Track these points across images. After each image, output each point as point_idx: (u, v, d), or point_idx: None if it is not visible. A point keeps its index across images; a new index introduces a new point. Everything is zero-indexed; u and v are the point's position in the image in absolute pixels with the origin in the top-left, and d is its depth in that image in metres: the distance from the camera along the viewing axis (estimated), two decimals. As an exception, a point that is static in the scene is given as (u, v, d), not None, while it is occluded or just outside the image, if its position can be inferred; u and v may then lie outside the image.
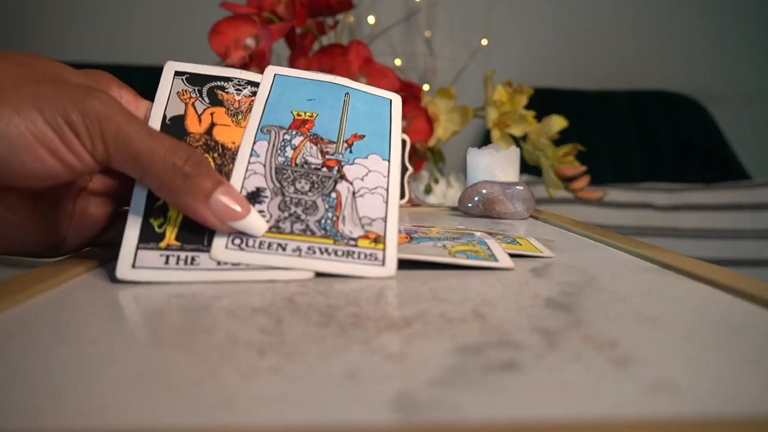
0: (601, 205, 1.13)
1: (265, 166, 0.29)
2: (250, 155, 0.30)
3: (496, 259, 0.30)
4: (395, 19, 1.31)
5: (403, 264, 0.29)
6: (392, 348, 0.18)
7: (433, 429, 0.13)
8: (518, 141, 0.78)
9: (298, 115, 0.32)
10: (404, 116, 0.79)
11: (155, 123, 0.30)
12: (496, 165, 0.56)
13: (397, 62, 1.26)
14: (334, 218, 0.28)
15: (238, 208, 0.26)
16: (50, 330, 0.19)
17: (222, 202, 0.26)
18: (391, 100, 0.35)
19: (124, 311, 0.22)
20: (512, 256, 0.32)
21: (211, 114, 0.31)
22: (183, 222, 0.27)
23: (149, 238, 0.27)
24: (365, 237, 0.28)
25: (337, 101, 0.34)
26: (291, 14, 0.72)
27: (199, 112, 0.31)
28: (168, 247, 0.27)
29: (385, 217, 0.29)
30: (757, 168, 1.37)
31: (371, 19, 1.23)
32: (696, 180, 1.26)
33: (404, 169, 0.63)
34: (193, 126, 0.30)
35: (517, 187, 0.51)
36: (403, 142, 0.63)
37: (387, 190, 0.31)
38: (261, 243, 0.27)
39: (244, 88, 0.32)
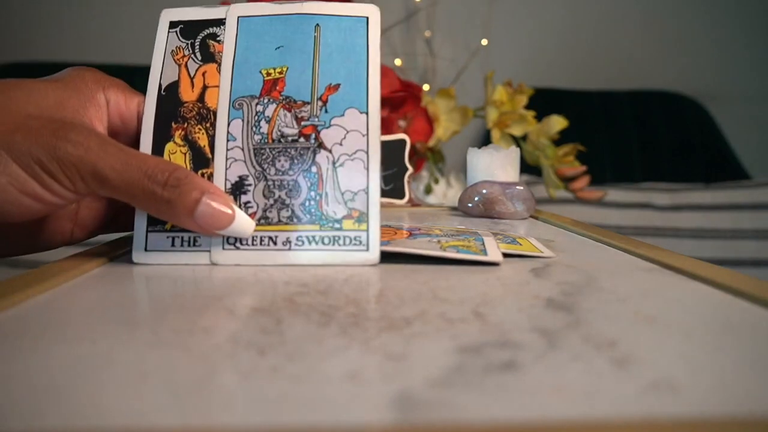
0: (601, 205, 1.13)
1: (243, 150, 0.29)
2: (227, 140, 0.30)
3: (485, 254, 0.30)
4: (395, 19, 1.31)
5: (401, 260, 0.29)
6: (392, 348, 0.18)
7: (433, 429, 0.13)
8: (518, 141, 0.78)
9: (268, 74, 0.31)
10: (404, 116, 0.79)
11: (151, 99, 0.30)
12: (496, 165, 0.56)
13: (397, 62, 1.26)
14: (318, 197, 0.29)
15: (224, 213, 0.27)
16: (50, 330, 0.19)
17: (206, 215, 0.26)
18: (367, 18, 0.32)
19: (124, 311, 0.22)
20: (512, 256, 0.32)
21: (203, 74, 0.31)
22: None
23: (156, 221, 0.28)
24: (349, 217, 0.28)
25: (307, 41, 0.31)
26: (291, 14, 0.72)
27: (192, 75, 0.31)
28: (172, 228, 0.28)
29: (367, 188, 0.29)
30: (757, 168, 1.36)
31: (371, 19, 1.23)
32: (696, 180, 1.26)
33: (404, 169, 0.63)
34: (186, 93, 0.30)
35: (517, 187, 0.51)
36: (403, 142, 0.63)
37: (367, 152, 0.29)
38: (253, 238, 0.28)
39: None
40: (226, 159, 0.29)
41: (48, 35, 1.32)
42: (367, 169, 0.29)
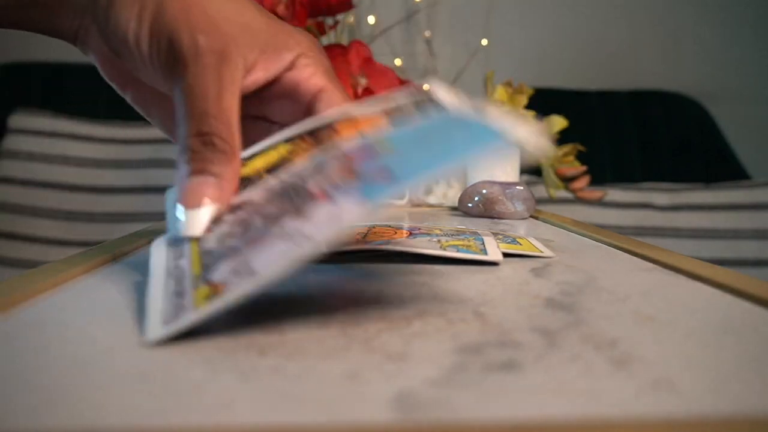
0: (601, 205, 1.13)
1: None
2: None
3: (485, 254, 0.30)
4: (395, 19, 1.31)
5: (401, 260, 0.29)
6: (392, 348, 0.18)
7: (433, 429, 0.13)
8: (518, 141, 0.78)
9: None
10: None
11: None
12: (496, 165, 0.56)
13: (397, 62, 1.26)
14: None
15: (200, 199, 0.23)
16: (50, 330, 0.19)
17: (188, 190, 0.23)
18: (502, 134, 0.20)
19: (124, 311, 0.22)
20: (512, 256, 0.32)
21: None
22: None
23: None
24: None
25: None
26: (291, 14, 0.72)
27: None
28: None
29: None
30: (757, 168, 1.36)
31: (371, 19, 1.23)
32: (696, 180, 1.26)
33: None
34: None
35: (517, 187, 0.51)
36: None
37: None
38: None
39: None
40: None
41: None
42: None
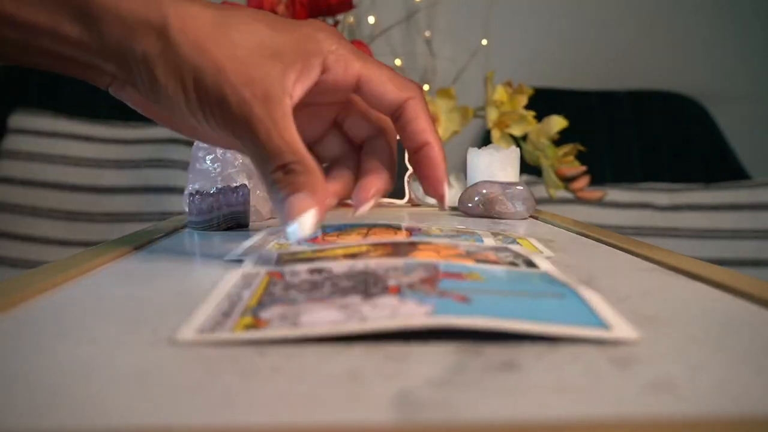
0: (601, 205, 1.13)
1: None
2: None
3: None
4: (395, 19, 1.31)
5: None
6: (392, 348, 0.18)
7: (433, 429, 0.13)
8: (518, 141, 0.78)
9: None
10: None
11: None
12: (496, 165, 0.56)
13: (397, 62, 1.26)
14: None
15: (305, 208, 0.26)
16: (50, 330, 0.19)
17: (293, 208, 0.26)
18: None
19: (124, 311, 0.22)
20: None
21: None
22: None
23: None
24: None
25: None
26: (291, 14, 0.72)
27: None
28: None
29: None
30: (757, 168, 1.36)
31: (371, 19, 1.23)
32: (696, 180, 1.26)
33: (404, 169, 0.63)
34: None
35: (517, 187, 0.51)
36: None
37: None
38: None
39: None
40: None
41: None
42: None
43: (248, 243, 0.34)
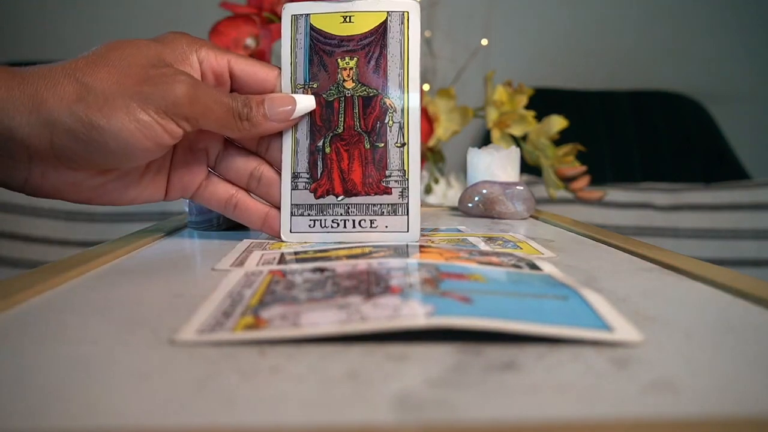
0: (601, 205, 1.13)
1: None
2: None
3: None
4: (395, 19, 1.31)
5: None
6: (392, 348, 0.18)
7: (433, 429, 0.13)
8: (518, 141, 0.78)
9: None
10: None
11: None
12: (496, 165, 0.56)
13: (397, 62, 1.26)
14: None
15: (288, 107, 0.33)
16: (50, 330, 0.19)
17: (276, 113, 0.32)
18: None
19: (124, 311, 0.22)
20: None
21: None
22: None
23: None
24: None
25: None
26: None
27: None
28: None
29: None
30: (757, 168, 1.36)
31: (371, 19, 1.23)
32: (696, 180, 1.26)
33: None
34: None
35: (517, 187, 0.51)
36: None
37: None
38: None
39: None
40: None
41: (48, 35, 1.32)
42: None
43: (234, 255, 0.32)
